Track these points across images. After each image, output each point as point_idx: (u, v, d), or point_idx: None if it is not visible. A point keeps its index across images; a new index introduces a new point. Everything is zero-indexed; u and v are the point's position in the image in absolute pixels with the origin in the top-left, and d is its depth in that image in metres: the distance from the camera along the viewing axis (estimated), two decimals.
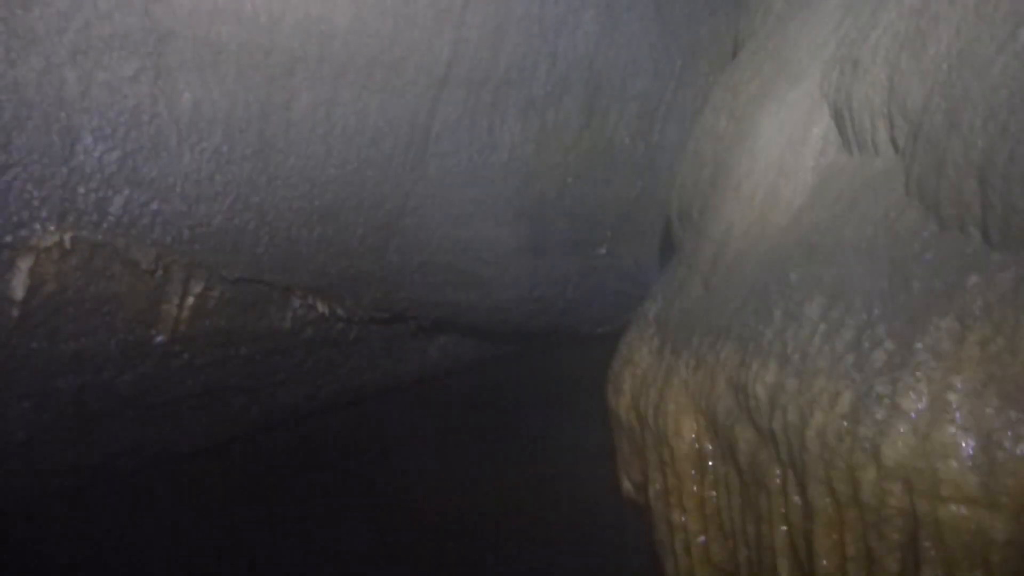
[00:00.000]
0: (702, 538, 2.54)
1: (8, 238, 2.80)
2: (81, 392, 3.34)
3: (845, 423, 1.81)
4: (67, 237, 2.90)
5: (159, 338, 3.38)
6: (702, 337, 2.54)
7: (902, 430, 1.71)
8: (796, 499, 2.02)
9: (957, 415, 1.67)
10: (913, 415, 1.71)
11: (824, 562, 1.92)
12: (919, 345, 1.76)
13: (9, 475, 3.46)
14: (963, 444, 1.65)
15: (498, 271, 4.21)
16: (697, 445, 2.46)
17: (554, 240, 4.26)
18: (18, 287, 2.89)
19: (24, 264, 2.87)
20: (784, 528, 2.11)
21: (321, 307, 3.86)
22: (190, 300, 3.37)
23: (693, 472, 2.49)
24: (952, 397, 1.68)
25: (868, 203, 2.17)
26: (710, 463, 2.43)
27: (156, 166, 3.01)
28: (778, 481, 2.08)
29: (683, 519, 2.55)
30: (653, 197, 4.39)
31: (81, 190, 2.88)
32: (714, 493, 2.44)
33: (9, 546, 3.50)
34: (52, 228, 2.86)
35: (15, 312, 2.92)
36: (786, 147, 2.69)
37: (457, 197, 3.88)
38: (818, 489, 1.89)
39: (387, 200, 3.69)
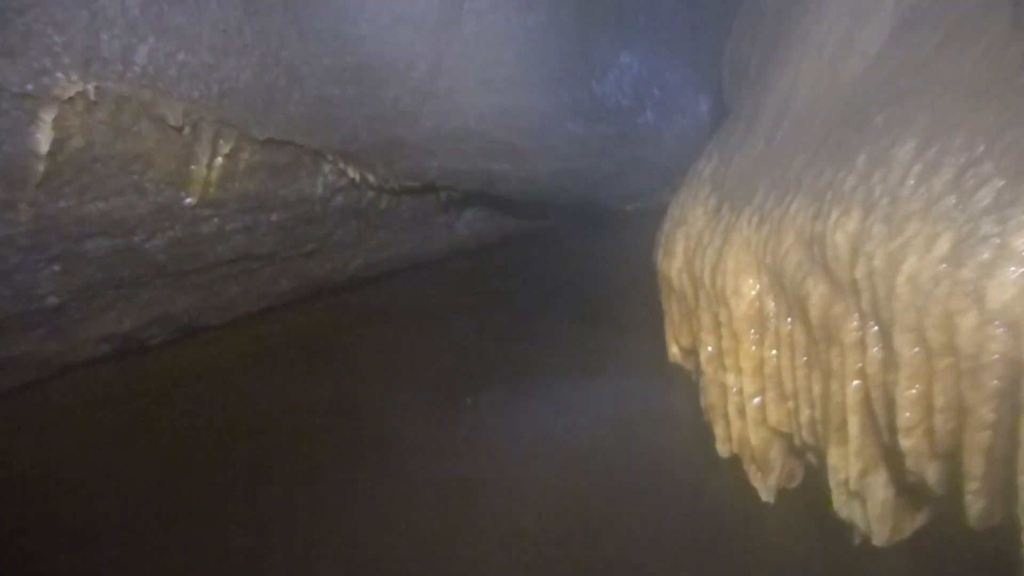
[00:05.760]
0: (758, 399, 2.47)
1: (30, 87, 2.64)
2: (111, 256, 3.25)
3: (944, 266, 1.70)
4: (91, 87, 2.75)
5: (189, 201, 3.26)
6: (767, 193, 2.41)
7: (1012, 270, 1.59)
8: (875, 351, 1.93)
9: None
10: None
11: (907, 415, 1.83)
12: None
13: (41, 341, 3.40)
14: None
15: (533, 140, 4.05)
16: (758, 304, 2.36)
17: (594, 107, 4.08)
18: (42, 140, 2.75)
19: (47, 116, 2.72)
20: (857, 383, 2.03)
21: (352, 173, 3.72)
22: (219, 161, 3.24)
23: (752, 332, 2.40)
24: None
25: (964, 40, 2.00)
26: (772, 322, 2.35)
27: (182, 13, 2.83)
28: (855, 334, 1.98)
29: (738, 381, 2.48)
30: (698, 64, 4.19)
31: (104, 36, 2.71)
32: (774, 352, 2.36)
33: (44, 413, 3.47)
34: (75, 77, 2.70)
35: (41, 167, 2.79)
36: None
37: (493, 59, 3.69)
38: (906, 338, 1.79)
39: (420, 61, 3.51)
